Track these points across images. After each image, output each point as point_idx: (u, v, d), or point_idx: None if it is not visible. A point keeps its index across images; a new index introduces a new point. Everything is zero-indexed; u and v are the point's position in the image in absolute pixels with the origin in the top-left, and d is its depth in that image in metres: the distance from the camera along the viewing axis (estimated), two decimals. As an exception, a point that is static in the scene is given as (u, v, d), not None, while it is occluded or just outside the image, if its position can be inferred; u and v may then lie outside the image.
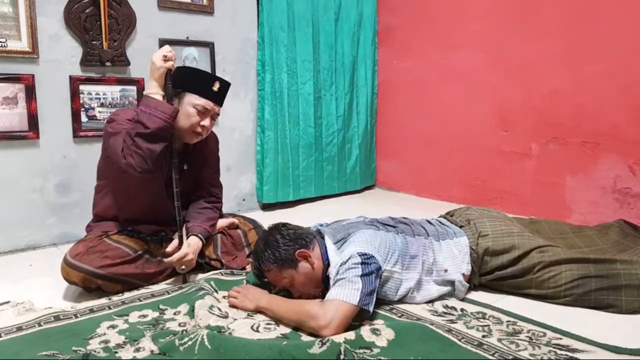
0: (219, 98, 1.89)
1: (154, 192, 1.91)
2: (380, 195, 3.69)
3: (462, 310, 1.62)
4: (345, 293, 1.43)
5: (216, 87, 1.86)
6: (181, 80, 1.84)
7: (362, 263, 1.49)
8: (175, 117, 1.77)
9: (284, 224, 1.72)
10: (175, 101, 1.85)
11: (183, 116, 1.83)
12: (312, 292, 1.65)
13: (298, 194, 3.33)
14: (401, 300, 1.66)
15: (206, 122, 1.85)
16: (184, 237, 1.89)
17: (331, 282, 1.57)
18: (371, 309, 1.47)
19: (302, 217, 3.00)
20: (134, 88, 2.61)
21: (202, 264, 1.98)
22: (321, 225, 1.85)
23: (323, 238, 1.71)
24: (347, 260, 1.51)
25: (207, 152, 2.08)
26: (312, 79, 3.32)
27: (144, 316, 1.59)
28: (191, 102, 1.83)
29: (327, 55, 3.41)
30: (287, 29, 3.17)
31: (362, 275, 1.46)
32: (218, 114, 1.91)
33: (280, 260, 1.60)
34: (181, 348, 1.31)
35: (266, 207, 3.24)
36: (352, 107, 3.62)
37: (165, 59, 1.77)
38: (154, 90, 1.78)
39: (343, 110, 3.54)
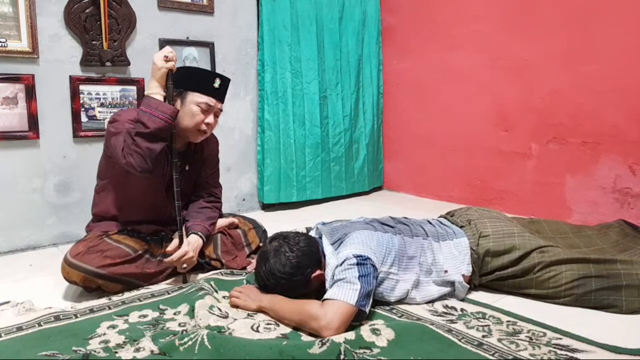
0: (220, 94, 1.92)
1: (155, 193, 1.91)
2: (388, 197, 3.62)
3: (462, 310, 1.62)
4: (344, 293, 1.43)
5: (217, 83, 1.88)
6: (183, 80, 1.86)
7: (357, 264, 1.49)
8: (175, 118, 1.78)
9: (288, 242, 1.62)
10: (178, 101, 1.87)
11: (187, 115, 1.85)
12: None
13: (304, 195, 3.28)
14: (401, 301, 1.66)
15: (210, 119, 1.88)
16: (184, 236, 1.89)
17: (327, 284, 1.58)
18: (367, 310, 1.47)
19: (301, 218, 2.99)
20: (134, 88, 2.61)
21: (202, 264, 1.99)
22: (323, 224, 1.85)
23: (321, 238, 1.71)
24: (343, 262, 1.52)
25: (207, 153, 2.09)
26: (318, 78, 3.29)
27: (144, 316, 1.59)
28: (194, 101, 1.85)
29: (332, 54, 3.38)
30: (290, 28, 3.15)
31: (359, 276, 1.47)
32: (221, 110, 1.94)
33: (296, 287, 1.60)
34: (181, 348, 1.31)
35: (267, 207, 3.24)
36: (359, 106, 3.59)
37: (167, 59, 1.78)
38: (155, 91, 1.78)
39: (350, 110, 3.50)
